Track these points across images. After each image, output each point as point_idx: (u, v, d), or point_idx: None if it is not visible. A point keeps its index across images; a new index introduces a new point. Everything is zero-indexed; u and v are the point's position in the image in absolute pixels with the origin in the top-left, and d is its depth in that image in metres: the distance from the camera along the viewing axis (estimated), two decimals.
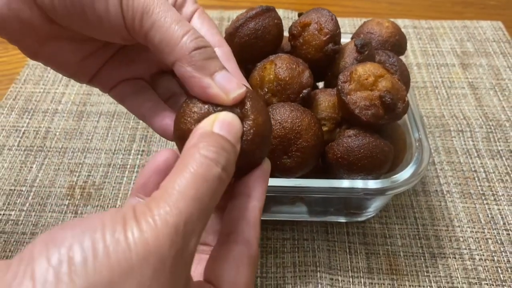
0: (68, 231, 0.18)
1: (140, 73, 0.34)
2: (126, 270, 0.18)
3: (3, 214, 0.51)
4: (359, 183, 0.40)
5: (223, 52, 0.31)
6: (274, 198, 0.47)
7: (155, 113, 0.32)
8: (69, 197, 0.53)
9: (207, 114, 0.26)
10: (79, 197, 0.53)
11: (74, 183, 0.54)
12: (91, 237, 0.18)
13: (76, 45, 0.31)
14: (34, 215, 0.51)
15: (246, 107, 0.27)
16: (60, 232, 0.18)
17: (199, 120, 0.26)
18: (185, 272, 0.21)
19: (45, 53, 0.31)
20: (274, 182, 0.40)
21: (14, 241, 0.48)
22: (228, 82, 0.26)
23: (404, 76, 0.45)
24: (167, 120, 0.32)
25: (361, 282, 0.45)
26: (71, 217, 0.50)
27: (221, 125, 0.24)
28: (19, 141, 0.59)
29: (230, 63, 0.31)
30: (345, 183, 0.40)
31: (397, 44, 0.49)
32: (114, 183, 0.54)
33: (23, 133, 0.60)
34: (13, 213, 0.51)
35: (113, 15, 0.27)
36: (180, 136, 0.27)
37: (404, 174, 0.41)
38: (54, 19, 0.28)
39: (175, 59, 0.26)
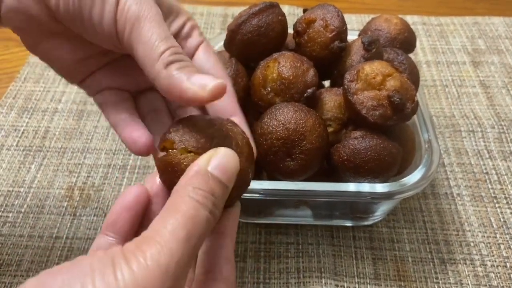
0: (58, 277, 0.19)
1: (128, 86, 0.35)
2: None
3: (1, 216, 0.50)
4: (366, 187, 0.39)
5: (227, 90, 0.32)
6: (277, 202, 0.46)
7: (127, 124, 0.33)
8: (67, 199, 0.51)
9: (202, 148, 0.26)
10: (78, 198, 0.52)
11: (73, 184, 0.53)
12: (81, 283, 0.18)
13: (76, 45, 0.32)
14: (32, 217, 0.50)
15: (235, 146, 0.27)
16: (50, 279, 0.19)
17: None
18: None
19: (44, 48, 0.32)
20: (277, 185, 0.39)
21: (11, 244, 0.47)
22: (203, 78, 0.26)
23: (413, 75, 0.44)
24: (136, 133, 0.32)
25: None
26: (69, 219, 0.49)
27: (216, 164, 0.24)
28: (18, 140, 0.58)
29: (230, 98, 0.33)
30: (351, 187, 0.39)
31: (406, 41, 0.48)
32: (114, 184, 0.53)
33: (22, 132, 0.59)
34: (10, 215, 0.50)
35: (107, 22, 0.28)
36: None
37: (413, 177, 0.40)
38: (58, 18, 0.30)
39: (153, 76, 0.27)
